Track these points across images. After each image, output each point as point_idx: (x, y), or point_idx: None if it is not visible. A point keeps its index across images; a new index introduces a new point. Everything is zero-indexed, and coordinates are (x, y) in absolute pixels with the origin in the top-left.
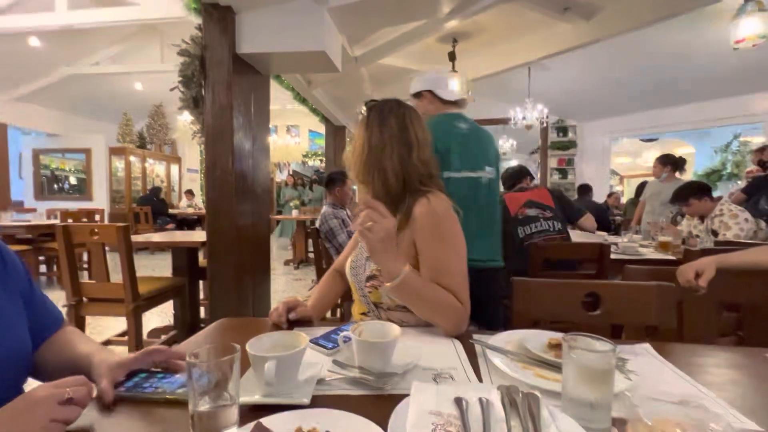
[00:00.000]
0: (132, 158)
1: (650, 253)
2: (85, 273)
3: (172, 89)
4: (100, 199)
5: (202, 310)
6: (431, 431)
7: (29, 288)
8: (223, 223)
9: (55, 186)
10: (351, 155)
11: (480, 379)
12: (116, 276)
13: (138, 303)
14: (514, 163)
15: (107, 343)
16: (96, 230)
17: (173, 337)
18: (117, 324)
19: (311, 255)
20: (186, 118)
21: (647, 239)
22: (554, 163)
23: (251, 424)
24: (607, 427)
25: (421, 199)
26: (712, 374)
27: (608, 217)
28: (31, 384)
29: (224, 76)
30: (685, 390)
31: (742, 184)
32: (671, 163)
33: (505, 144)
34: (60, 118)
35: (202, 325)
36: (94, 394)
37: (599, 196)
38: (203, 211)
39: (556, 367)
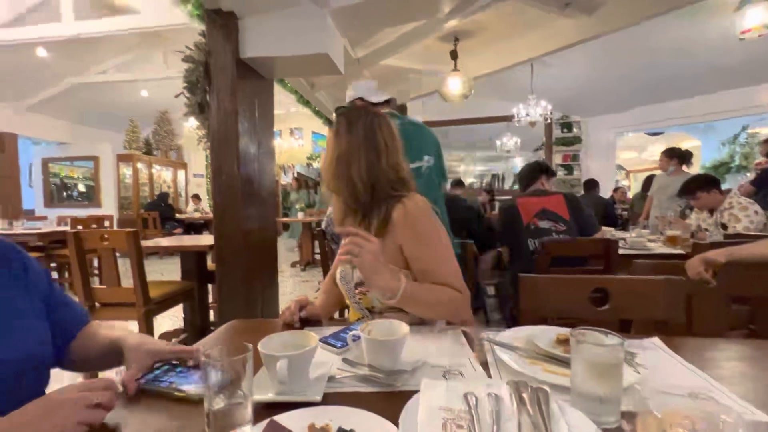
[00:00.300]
0: (139, 165)
1: (659, 248)
2: (96, 279)
3: (177, 95)
4: (108, 206)
5: (211, 312)
6: (442, 426)
7: (50, 291)
8: (230, 226)
9: (65, 194)
10: (323, 164)
11: (489, 376)
12: (127, 281)
13: (149, 307)
14: (518, 160)
15: None
16: (106, 236)
17: (184, 340)
18: (129, 328)
19: (318, 257)
20: (191, 123)
21: (655, 234)
22: (559, 159)
23: (265, 422)
24: (617, 421)
25: (397, 205)
26: (722, 367)
27: (615, 213)
28: (56, 381)
29: (228, 82)
30: (696, 383)
31: (751, 176)
32: (677, 156)
33: (508, 142)
34: (68, 127)
35: (212, 327)
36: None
37: (605, 192)
38: (210, 215)
39: (565, 362)
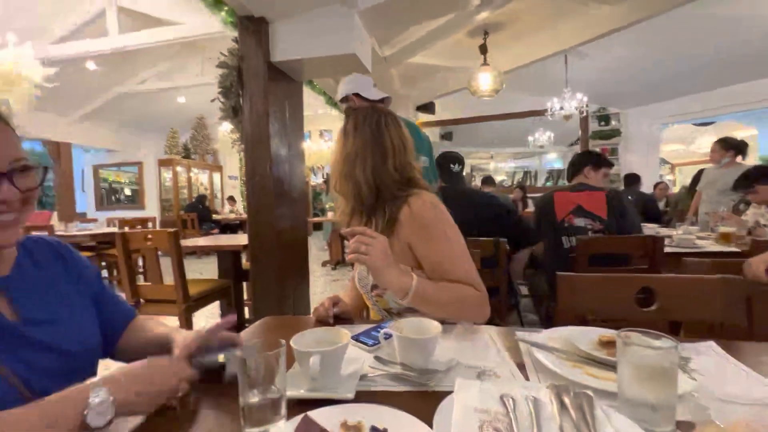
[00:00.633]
0: (178, 168)
1: (709, 246)
2: (141, 277)
3: (212, 100)
4: (151, 208)
5: (246, 309)
6: (478, 428)
7: (101, 289)
8: (264, 226)
9: (113, 197)
10: (331, 165)
11: (526, 378)
12: (168, 279)
13: (188, 304)
14: (553, 156)
15: None
16: (149, 236)
17: None
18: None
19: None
20: (226, 128)
21: (705, 230)
22: None
23: (299, 417)
24: (672, 430)
25: (404, 206)
26: None
27: (658, 208)
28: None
29: (260, 85)
30: (760, 392)
31: None
32: (734, 147)
33: (541, 137)
34: (114, 135)
35: (247, 324)
36: None
37: (648, 187)
38: (244, 216)
39: (607, 366)
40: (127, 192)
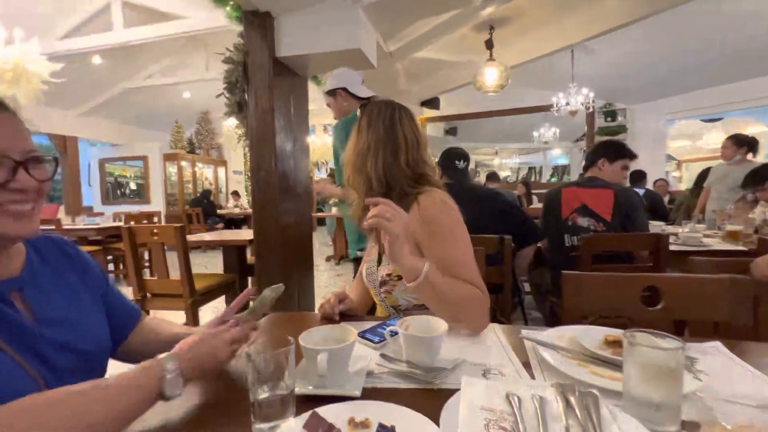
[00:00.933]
0: (183, 163)
1: (716, 244)
2: (147, 271)
3: (218, 96)
4: (156, 202)
5: (251, 304)
6: (484, 426)
7: (107, 288)
8: (268, 221)
9: (119, 191)
10: (345, 159)
11: (532, 376)
12: (174, 273)
13: (195, 298)
14: (558, 152)
15: None
16: (156, 231)
17: None
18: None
19: None
20: (230, 123)
21: (712, 228)
22: None
23: (307, 414)
24: (677, 430)
25: (413, 204)
26: None
27: (665, 206)
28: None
29: (265, 80)
30: (766, 393)
31: None
32: (746, 144)
33: (546, 133)
34: (120, 129)
35: None
36: None
37: (649, 184)
38: (249, 210)
39: (613, 365)
40: (133, 186)
